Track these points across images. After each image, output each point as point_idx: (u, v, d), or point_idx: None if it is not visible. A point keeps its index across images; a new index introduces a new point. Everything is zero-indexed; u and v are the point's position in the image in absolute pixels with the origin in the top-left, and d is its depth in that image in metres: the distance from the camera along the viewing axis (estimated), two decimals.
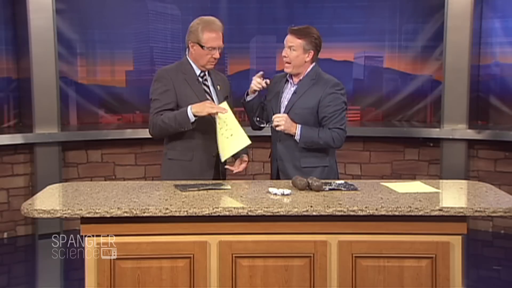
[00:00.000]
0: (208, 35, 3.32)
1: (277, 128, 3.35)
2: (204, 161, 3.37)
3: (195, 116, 3.20)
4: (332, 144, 3.38)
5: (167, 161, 3.44)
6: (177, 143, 3.39)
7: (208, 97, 3.40)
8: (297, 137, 3.35)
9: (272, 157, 3.54)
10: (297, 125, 3.35)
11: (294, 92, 3.43)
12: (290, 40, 3.40)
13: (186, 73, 3.38)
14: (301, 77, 3.45)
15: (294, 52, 3.39)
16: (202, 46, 3.32)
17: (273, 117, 3.37)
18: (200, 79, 3.41)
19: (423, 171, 5.98)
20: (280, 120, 3.33)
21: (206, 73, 3.44)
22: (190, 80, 3.38)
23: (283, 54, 3.42)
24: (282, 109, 3.44)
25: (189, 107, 3.21)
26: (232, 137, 3.26)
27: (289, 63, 3.41)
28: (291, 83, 3.49)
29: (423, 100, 6.28)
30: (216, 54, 3.35)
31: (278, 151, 3.45)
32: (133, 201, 2.72)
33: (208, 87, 3.44)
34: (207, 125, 3.31)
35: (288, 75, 3.49)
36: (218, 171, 3.43)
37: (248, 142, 3.27)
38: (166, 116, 3.26)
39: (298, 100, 3.40)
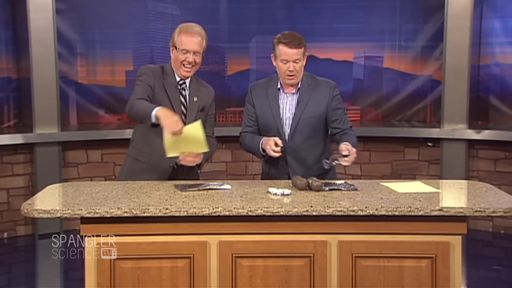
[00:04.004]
0: (182, 37, 3.24)
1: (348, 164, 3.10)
2: (159, 168, 3.27)
3: (156, 119, 3.01)
4: (356, 144, 3.21)
5: (127, 156, 3.41)
6: (139, 142, 3.34)
7: (182, 107, 3.30)
8: None
9: (280, 171, 3.36)
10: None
11: (298, 102, 3.31)
12: (294, 53, 3.21)
13: (166, 78, 3.29)
14: (298, 85, 3.33)
15: (299, 62, 3.24)
16: (176, 48, 3.26)
17: (348, 158, 3.04)
18: (179, 87, 3.32)
19: (423, 171, 5.99)
20: (355, 156, 3.07)
21: (187, 81, 3.33)
22: (168, 85, 3.28)
23: (290, 69, 3.22)
24: (287, 122, 3.31)
25: (156, 108, 3.01)
26: (187, 142, 3.03)
27: (295, 75, 3.26)
28: (287, 93, 3.34)
29: (423, 100, 6.29)
30: (190, 58, 3.23)
31: (289, 164, 3.33)
32: (133, 201, 2.72)
33: (184, 96, 3.33)
34: None
35: (278, 85, 3.35)
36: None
37: (205, 149, 3.09)
38: (141, 103, 3.12)
39: (305, 109, 3.30)
